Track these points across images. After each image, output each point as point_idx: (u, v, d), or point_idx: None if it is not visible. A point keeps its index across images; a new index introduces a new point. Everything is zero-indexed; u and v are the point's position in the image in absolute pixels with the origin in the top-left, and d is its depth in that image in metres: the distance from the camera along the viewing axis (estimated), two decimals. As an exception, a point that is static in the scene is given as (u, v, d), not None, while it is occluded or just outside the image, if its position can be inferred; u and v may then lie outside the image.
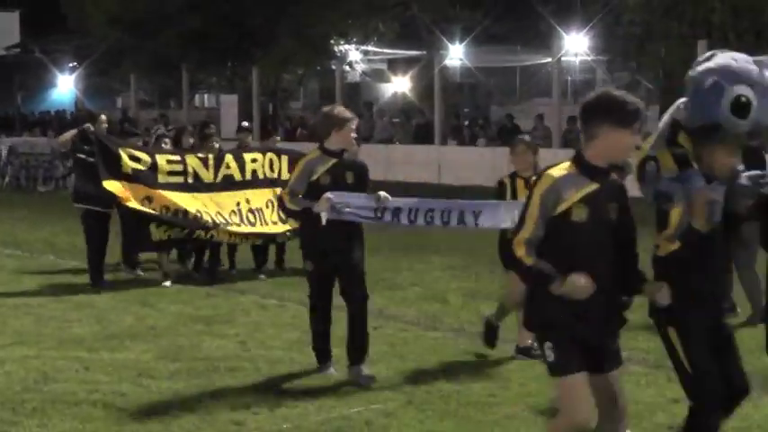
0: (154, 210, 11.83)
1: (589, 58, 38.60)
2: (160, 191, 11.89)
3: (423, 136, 27.69)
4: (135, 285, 12.21)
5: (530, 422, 6.80)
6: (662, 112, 22.55)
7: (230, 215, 12.29)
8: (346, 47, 35.55)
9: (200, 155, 12.45)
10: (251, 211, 12.49)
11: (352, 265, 7.94)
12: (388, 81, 41.42)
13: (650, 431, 6.61)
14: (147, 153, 12.16)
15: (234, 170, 12.56)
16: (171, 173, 12.06)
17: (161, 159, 12.07)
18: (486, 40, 38.67)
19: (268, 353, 8.72)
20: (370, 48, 38.10)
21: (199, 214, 12.04)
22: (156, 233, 11.81)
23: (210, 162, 12.41)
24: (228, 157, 12.67)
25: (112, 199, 11.65)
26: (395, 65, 41.40)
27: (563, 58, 32.67)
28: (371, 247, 14.98)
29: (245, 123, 14.83)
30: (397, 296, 11.40)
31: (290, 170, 11.49)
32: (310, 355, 8.60)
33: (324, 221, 7.74)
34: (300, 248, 8.33)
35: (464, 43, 38.52)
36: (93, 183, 11.62)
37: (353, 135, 8.08)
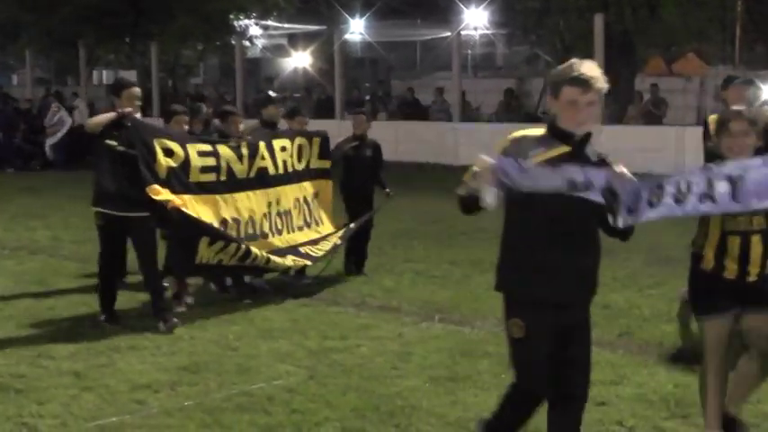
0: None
1: (489, 32, 38.95)
2: (189, 196, 9.14)
3: (324, 111, 27.62)
4: (33, 264, 11.98)
5: (431, 394, 6.87)
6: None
7: (262, 221, 10.04)
8: (246, 22, 35.25)
9: (232, 143, 9.89)
10: (279, 214, 10.31)
11: None
12: (288, 56, 41.21)
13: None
14: (180, 143, 9.22)
15: (268, 161, 10.24)
16: (204, 169, 9.39)
17: (192, 151, 9.29)
18: (387, 15, 38.77)
19: (168, 330, 8.64)
20: (269, 23, 37.86)
21: (233, 224, 9.61)
22: (206, 253, 9.07)
23: (244, 152, 9.92)
24: (261, 146, 10.17)
25: (156, 207, 8.82)
26: (295, 40, 41.24)
27: (463, 32, 32.88)
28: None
29: (274, 93, 11.46)
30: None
31: (326, 154, 11.03)
32: (211, 332, 8.59)
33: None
34: None
35: (364, 17, 38.53)
36: (127, 181, 8.75)
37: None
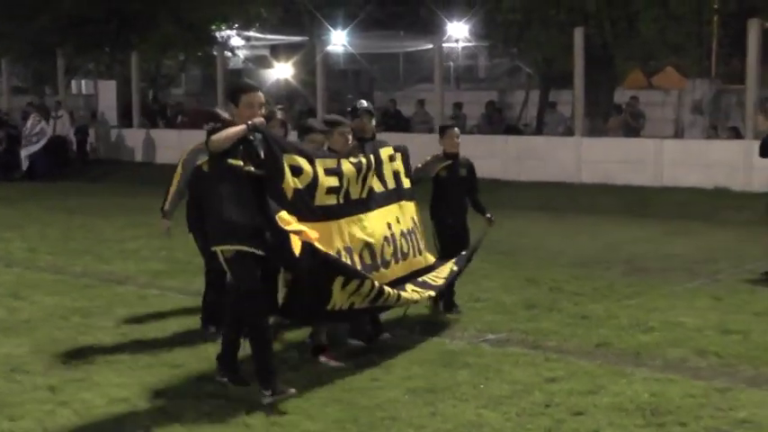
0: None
1: (471, 45, 39.02)
2: (313, 224, 7.56)
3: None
4: (8, 277, 11.92)
5: (410, 405, 6.87)
6: (542, 96, 22.93)
7: (383, 246, 8.28)
8: (228, 33, 35.22)
9: (353, 159, 8.14)
10: (403, 235, 8.58)
11: None
12: (270, 67, 41.18)
13: (527, 410, 6.72)
14: (309, 160, 7.68)
15: (372, 177, 8.44)
16: (329, 190, 7.82)
17: (320, 168, 7.75)
18: (369, 27, 38.78)
19: (148, 344, 8.61)
20: (252, 33, 37.82)
21: (346, 255, 7.90)
22: (339, 297, 7.57)
23: (364, 169, 8.25)
24: (371, 159, 8.49)
25: (283, 240, 7.31)
26: (277, 51, 41.19)
27: (445, 45, 32.94)
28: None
29: (365, 103, 9.34)
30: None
31: (409, 172, 9.02)
32: (190, 345, 8.55)
33: None
34: None
35: (347, 29, 38.55)
36: (254, 209, 7.22)
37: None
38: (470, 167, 10.08)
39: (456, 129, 10.09)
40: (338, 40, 38.54)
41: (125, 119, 30.44)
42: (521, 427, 6.43)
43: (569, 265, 12.10)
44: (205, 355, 8.19)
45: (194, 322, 9.36)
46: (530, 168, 21.46)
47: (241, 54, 39.51)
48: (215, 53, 31.05)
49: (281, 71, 39.18)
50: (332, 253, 7.55)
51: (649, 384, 7.23)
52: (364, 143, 8.55)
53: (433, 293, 8.71)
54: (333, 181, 7.79)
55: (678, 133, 25.59)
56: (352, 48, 39.59)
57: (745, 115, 20.29)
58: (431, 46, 30.33)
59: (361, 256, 7.95)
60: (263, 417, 6.65)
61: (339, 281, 7.45)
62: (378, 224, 8.24)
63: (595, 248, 8.45)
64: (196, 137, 24.69)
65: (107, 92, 31.34)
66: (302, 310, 7.63)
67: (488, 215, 9.90)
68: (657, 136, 23.44)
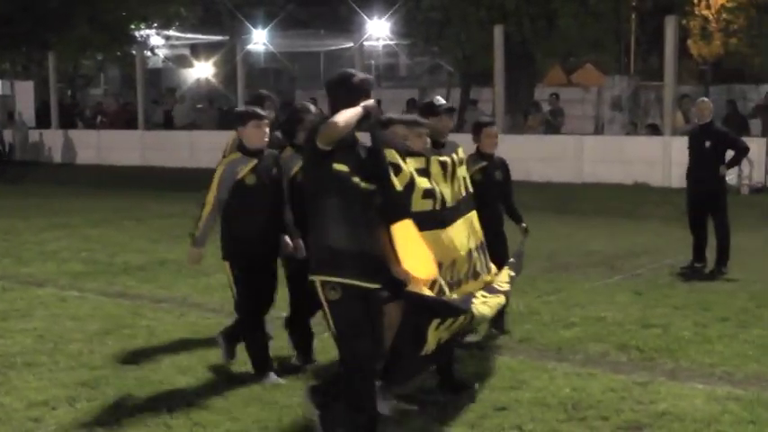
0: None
1: (392, 43, 39.14)
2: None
3: (226, 122, 27.48)
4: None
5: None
6: (463, 94, 23.08)
7: (464, 260, 6.93)
8: (147, 32, 34.87)
9: (440, 158, 6.88)
10: (478, 249, 7.21)
11: None
12: (191, 66, 40.89)
13: (449, 405, 6.75)
14: (402, 156, 6.47)
15: (456, 181, 7.10)
16: (426, 193, 6.55)
17: (411, 167, 6.51)
18: (290, 25, 38.69)
19: (67, 346, 8.49)
20: (171, 33, 37.52)
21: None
22: (432, 339, 6.43)
23: (449, 171, 6.97)
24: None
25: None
26: (198, 50, 40.93)
27: (366, 43, 33.01)
28: (176, 235, 14.99)
29: (441, 99, 7.60)
30: (201, 283, 11.29)
31: None
32: (110, 346, 8.46)
33: None
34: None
35: (267, 28, 38.41)
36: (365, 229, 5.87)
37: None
38: (505, 168, 8.87)
39: (494, 126, 8.94)
40: (259, 39, 38.40)
41: (43, 120, 29.99)
42: (442, 422, 6.47)
43: (491, 261, 12.17)
44: (126, 357, 8.11)
45: (115, 323, 9.26)
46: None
47: (161, 53, 39.18)
48: (134, 53, 30.74)
49: (202, 70, 38.94)
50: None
51: (571, 379, 7.31)
52: (441, 147, 7.05)
53: (503, 300, 7.17)
54: (426, 183, 6.57)
55: (598, 130, 25.95)
56: (272, 47, 39.46)
57: (664, 112, 20.63)
58: (351, 44, 30.36)
59: (447, 271, 6.69)
60: (186, 417, 6.60)
61: (435, 322, 6.37)
62: (461, 236, 6.91)
63: (516, 245, 8.54)
64: (116, 137, 24.38)
65: (24, 92, 30.85)
66: (404, 371, 6.50)
67: (524, 225, 8.84)
68: (577, 132, 23.74)
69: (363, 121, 5.76)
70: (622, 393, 6.99)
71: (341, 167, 5.70)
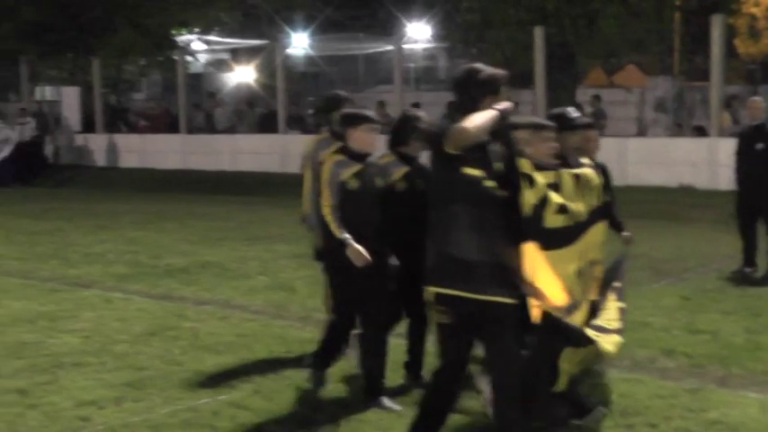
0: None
1: (431, 46, 39.12)
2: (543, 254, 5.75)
3: (266, 125, 27.59)
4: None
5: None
6: (503, 96, 22.66)
7: (580, 281, 6.23)
8: (188, 37, 35.08)
9: (573, 171, 6.24)
10: (592, 264, 6.44)
11: None
12: (231, 71, 41.06)
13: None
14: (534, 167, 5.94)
15: (592, 194, 6.46)
16: (559, 209, 6.01)
17: (543, 179, 5.94)
18: (329, 29, 38.78)
19: (113, 347, 8.56)
20: (212, 38, 37.71)
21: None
22: (566, 368, 6.16)
23: (583, 182, 6.32)
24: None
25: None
26: (238, 54, 41.08)
27: (405, 46, 33.00)
28: (217, 238, 15.08)
29: (574, 111, 6.83)
30: (244, 286, 11.35)
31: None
32: (155, 348, 8.52)
33: None
34: None
35: (307, 32, 38.53)
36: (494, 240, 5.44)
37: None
38: (605, 173, 7.23)
39: (594, 129, 7.68)
40: (298, 43, 38.52)
41: (88, 124, 30.28)
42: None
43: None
44: (170, 358, 8.16)
45: (159, 325, 9.33)
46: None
47: (201, 58, 39.40)
48: (175, 58, 30.94)
49: (242, 75, 39.10)
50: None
51: (617, 385, 7.18)
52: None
53: (619, 340, 6.32)
54: (559, 198, 6.02)
55: (641, 132, 25.75)
56: (312, 50, 39.56)
57: (710, 113, 20.37)
58: (390, 47, 30.38)
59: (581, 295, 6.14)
60: (230, 419, 6.63)
61: (567, 353, 6.03)
62: (584, 251, 6.24)
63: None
64: (158, 141, 24.62)
65: (71, 98, 31.18)
66: (542, 406, 5.94)
67: (626, 233, 7.80)
68: (620, 135, 23.57)
69: (498, 126, 5.34)
70: (671, 400, 6.88)
71: (473, 171, 5.30)
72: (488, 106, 5.34)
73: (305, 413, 6.74)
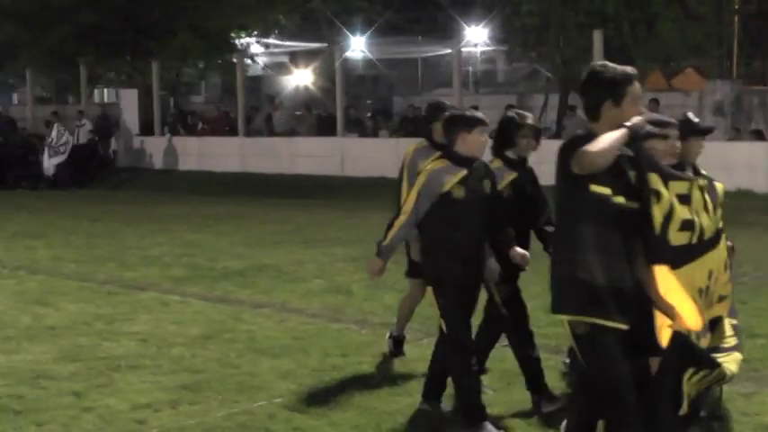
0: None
1: (489, 49, 39.05)
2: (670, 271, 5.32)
3: (325, 128, 27.68)
4: (33, 284, 11.97)
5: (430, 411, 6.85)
6: (561, 100, 22.92)
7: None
8: (247, 40, 35.32)
9: (701, 181, 5.81)
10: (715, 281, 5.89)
11: None
12: (290, 74, 41.29)
13: (552, 416, 6.69)
14: (663, 179, 5.42)
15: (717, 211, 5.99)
16: (684, 225, 5.48)
17: (674, 193, 5.46)
18: (388, 32, 38.84)
19: (170, 350, 8.63)
20: (271, 41, 37.95)
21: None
22: (691, 390, 5.58)
23: (708, 198, 5.82)
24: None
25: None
26: (297, 57, 41.30)
27: (464, 49, 32.97)
28: (274, 241, 15.15)
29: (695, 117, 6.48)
30: (301, 289, 11.39)
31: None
32: (212, 351, 8.57)
33: None
34: None
35: (366, 35, 38.63)
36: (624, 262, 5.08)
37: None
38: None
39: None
40: (357, 46, 38.64)
41: (146, 127, 30.58)
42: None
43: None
44: (227, 361, 8.21)
45: (216, 327, 9.39)
46: (548, 172, 21.39)
47: (260, 61, 39.64)
48: (234, 60, 31.16)
49: (301, 77, 39.30)
50: None
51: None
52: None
53: (740, 357, 5.99)
54: (686, 213, 5.54)
55: (699, 136, 25.43)
56: (370, 53, 39.66)
57: (768, 117, 20.17)
58: (449, 51, 30.35)
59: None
60: (285, 422, 6.66)
61: (689, 374, 5.59)
62: (703, 272, 5.71)
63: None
64: (216, 144, 24.85)
65: (129, 100, 31.51)
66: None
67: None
68: (679, 138, 23.29)
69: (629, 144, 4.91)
70: (726, 404, 6.82)
71: (601, 190, 4.89)
72: (612, 114, 4.92)
73: (359, 416, 6.74)
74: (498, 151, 7.04)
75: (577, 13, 24.05)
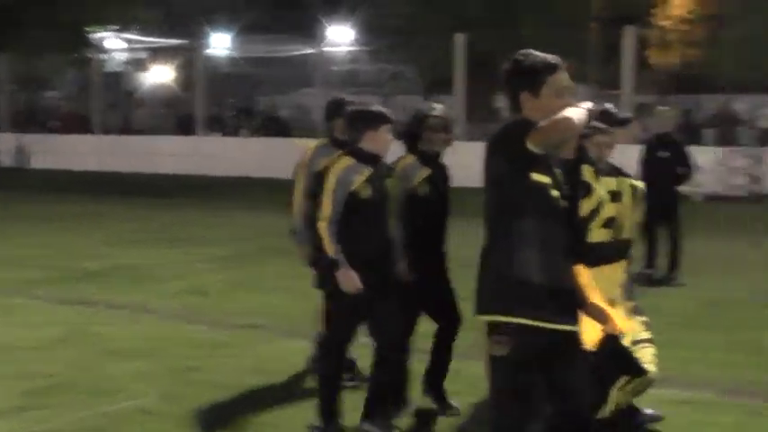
0: None
1: (354, 49, 39.19)
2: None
3: (186, 127, 27.36)
4: None
5: (289, 410, 6.81)
6: (425, 101, 23.03)
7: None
8: (105, 35, 34.62)
9: (634, 182, 6.07)
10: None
11: None
12: (150, 70, 40.67)
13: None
14: (596, 174, 5.73)
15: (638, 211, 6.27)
16: (607, 222, 5.70)
17: (604, 189, 5.72)
18: (253, 31, 38.62)
19: (17, 355, 8.33)
20: (132, 36, 37.30)
21: None
22: (616, 397, 5.81)
23: (639, 196, 6.14)
24: None
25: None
26: (158, 54, 40.73)
27: (328, 49, 33.00)
28: (134, 240, 14.87)
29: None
30: (159, 289, 11.19)
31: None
32: (65, 354, 8.33)
33: None
34: None
35: (230, 33, 38.31)
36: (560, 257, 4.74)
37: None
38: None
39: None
40: (220, 44, 38.27)
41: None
42: None
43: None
44: (80, 364, 7.99)
45: (69, 331, 9.14)
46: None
47: (120, 57, 38.92)
48: (90, 56, 30.50)
49: (162, 74, 38.75)
50: None
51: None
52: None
53: (653, 350, 5.96)
54: (612, 210, 5.58)
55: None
56: (234, 51, 39.34)
57: (621, 121, 20.75)
58: (313, 50, 30.35)
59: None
60: (139, 425, 6.51)
61: (623, 381, 5.68)
62: (617, 273, 5.80)
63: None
64: (70, 142, 24.25)
65: (-23, 95, 30.55)
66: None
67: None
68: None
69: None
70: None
71: (541, 179, 4.48)
72: (530, 105, 4.53)
73: (213, 418, 6.64)
74: (411, 147, 6.70)
75: (441, 16, 24.33)
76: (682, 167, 12.03)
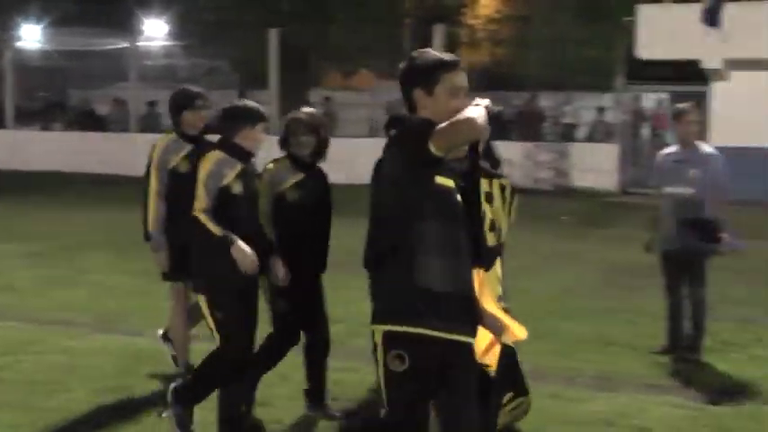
0: None
1: (168, 44, 38.78)
2: None
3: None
4: None
5: (95, 405, 6.85)
6: (240, 96, 23.14)
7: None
8: None
9: (502, 181, 5.88)
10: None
11: None
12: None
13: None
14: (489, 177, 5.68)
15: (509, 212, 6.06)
16: (491, 225, 5.58)
17: (498, 191, 5.72)
18: (66, 23, 37.75)
19: None
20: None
21: None
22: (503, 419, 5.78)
23: (507, 196, 5.93)
24: None
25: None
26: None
27: (143, 43, 32.61)
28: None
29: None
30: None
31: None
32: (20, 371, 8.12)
33: None
34: None
35: (41, 25, 37.35)
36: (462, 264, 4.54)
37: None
38: None
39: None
40: (31, 36, 37.26)
41: None
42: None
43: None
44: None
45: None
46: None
47: None
48: None
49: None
50: None
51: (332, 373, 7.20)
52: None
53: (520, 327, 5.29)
54: (490, 212, 5.45)
55: (372, 133, 26.53)
56: (47, 44, 38.38)
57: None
58: (128, 44, 29.98)
59: None
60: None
61: (507, 398, 5.51)
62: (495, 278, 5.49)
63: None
64: None
65: None
66: None
67: None
68: (351, 135, 24.18)
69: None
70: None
71: (445, 182, 4.23)
72: (424, 103, 4.29)
73: (14, 415, 6.64)
74: (285, 150, 6.57)
75: (255, 11, 24.45)
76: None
